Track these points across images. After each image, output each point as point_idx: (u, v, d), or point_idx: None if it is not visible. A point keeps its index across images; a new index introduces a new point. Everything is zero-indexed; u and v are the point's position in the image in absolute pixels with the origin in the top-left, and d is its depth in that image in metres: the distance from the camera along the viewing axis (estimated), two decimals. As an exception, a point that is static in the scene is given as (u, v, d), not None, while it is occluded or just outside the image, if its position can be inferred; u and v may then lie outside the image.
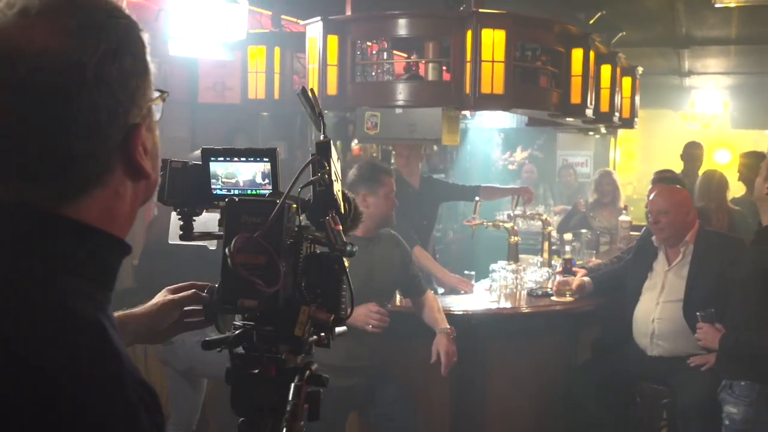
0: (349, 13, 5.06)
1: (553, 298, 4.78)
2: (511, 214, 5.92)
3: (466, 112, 7.25)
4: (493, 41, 4.42)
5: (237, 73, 5.84)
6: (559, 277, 4.93)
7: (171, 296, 1.67)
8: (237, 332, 1.44)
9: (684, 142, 7.93)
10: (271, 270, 1.35)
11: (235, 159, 1.50)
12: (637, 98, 7.15)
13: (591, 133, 8.25)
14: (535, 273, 5.21)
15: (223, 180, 1.51)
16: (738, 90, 12.96)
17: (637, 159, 14.33)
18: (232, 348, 1.45)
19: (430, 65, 4.71)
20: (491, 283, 4.91)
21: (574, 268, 5.18)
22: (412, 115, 4.69)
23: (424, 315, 4.15)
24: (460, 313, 4.47)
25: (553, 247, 6.06)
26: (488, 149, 10.70)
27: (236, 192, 1.50)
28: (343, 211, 1.47)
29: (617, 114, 6.33)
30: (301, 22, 5.25)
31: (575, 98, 5.21)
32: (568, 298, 4.73)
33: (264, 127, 6.49)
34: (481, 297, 4.85)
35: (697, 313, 4.13)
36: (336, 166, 1.46)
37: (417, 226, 5.27)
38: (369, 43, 4.94)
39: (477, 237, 5.52)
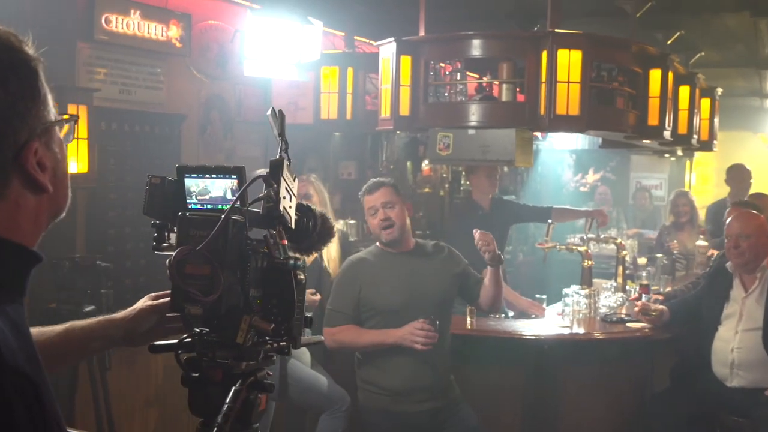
0: (422, 33, 5.07)
1: (629, 324, 4.65)
2: (584, 237, 5.81)
3: (538, 133, 7.16)
4: (569, 62, 4.37)
5: (310, 94, 5.89)
6: (635, 302, 4.81)
7: (150, 302, 1.76)
8: (183, 338, 1.55)
9: (764, 166, 7.68)
10: (214, 280, 1.43)
11: (207, 176, 1.60)
12: (716, 120, 6.97)
13: (666, 155, 8.07)
14: (609, 298, 5.11)
15: (197, 195, 1.60)
16: (821, 112, 12.53)
17: (712, 182, 13.93)
18: (178, 353, 1.55)
19: (504, 86, 4.68)
20: (564, 308, 4.82)
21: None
22: (484, 136, 4.65)
23: (484, 288, 3.98)
24: (532, 337, 4.39)
25: (627, 272, 5.92)
26: (559, 171, 10.56)
27: (208, 207, 1.59)
28: (293, 226, 1.55)
29: (695, 136, 6.19)
30: (374, 43, 5.28)
31: (653, 120, 5.11)
32: (647, 322, 4.58)
33: (335, 147, 6.52)
34: (553, 321, 4.76)
35: None
36: (289, 183, 1.53)
37: None
38: (442, 64, 4.92)
39: (549, 260, 5.43)
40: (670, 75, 5.22)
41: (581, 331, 4.61)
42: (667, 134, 5.26)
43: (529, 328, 4.58)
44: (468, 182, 6.82)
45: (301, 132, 6.01)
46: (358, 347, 3.82)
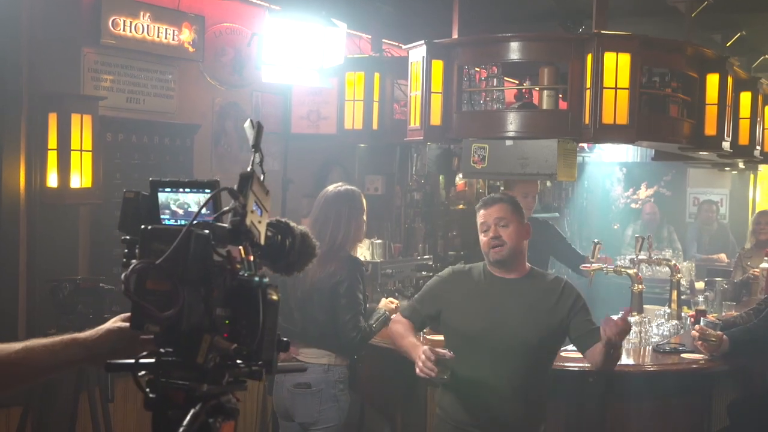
0: (455, 36, 5.08)
1: (685, 355, 4.60)
2: (635, 259, 5.77)
3: (584, 144, 7.14)
4: (617, 66, 4.35)
5: (333, 102, 5.93)
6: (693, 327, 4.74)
7: (119, 324, 1.81)
8: (140, 357, 1.58)
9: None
10: (173, 296, 1.47)
11: (181, 190, 1.67)
12: (782, 129, 6.90)
13: (727, 168, 8.01)
14: (662, 326, 5.05)
15: (171, 210, 1.67)
16: None
17: (779, 198, 13.81)
18: (136, 374, 1.57)
19: (545, 93, 4.67)
20: (612, 337, 4.77)
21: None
22: (524, 148, 4.64)
23: (596, 358, 3.75)
24: (576, 369, 4.36)
25: (683, 297, 5.86)
26: (608, 185, 10.52)
27: (183, 222, 1.64)
28: (262, 242, 1.58)
29: (758, 147, 6.13)
30: (404, 46, 5.31)
31: (710, 129, 5.07)
32: (704, 350, 4.52)
33: (361, 160, 6.55)
34: (599, 352, 4.71)
35: None
36: (260, 197, 1.57)
37: None
38: (477, 69, 4.92)
39: (595, 284, 5.39)
40: (730, 80, 5.18)
41: (630, 362, 4.56)
42: (726, 145, 5.21)
43: (573, 358, 4.55)
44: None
45: (323, 143, 6.06)
46: (395, 346, 3.92)
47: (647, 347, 4.75)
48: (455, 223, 7.36)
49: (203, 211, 1.59)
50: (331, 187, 4.40)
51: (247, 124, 1.66)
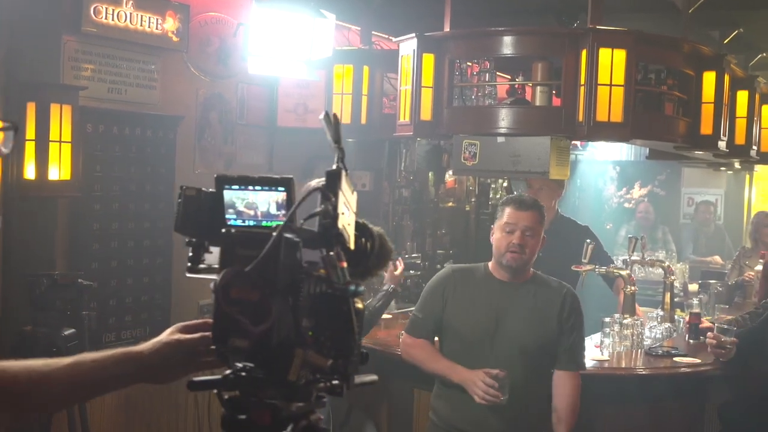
0: (447, 29, 5.07)
1: (677, 359, 4.61)
2: (628, 260, 5.77)
3: (577, 142, 7.14)
4: (612, 62, 4.35)
5: (320, 95, 5.91)
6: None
7: (176, 336, 1.70)
8: (227, 374, 1.47)
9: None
10: (263, 307, 1.38)
11: (250, 188, 1.56)
12: (779, 129, 6.91)
13: (722, 168, 8.03)
14: (654, 329, 5.06)
15: (238, 209, 1.56)
16: None
17: (775, 199, 13.86)
18: (219, 391, 1.47)
19: (538, 88, 4.67)
20: (603, 339, 4.79)
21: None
22: (515, 145, 4.64)
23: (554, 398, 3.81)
24: (566, 372, 4.36)
25: (677, 300, 5.87)
26: (601, 184, 10.54)
27: (251, 223, 1.55)
28: (352, 246, 1.49)
29: (755, 147, 6.14)
30: (394, 39, 5.29)
31: (706, 128, 5.07)
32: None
33: (348, 155, 6.45)
34: (590, 354, 4.71)
35: None
36: (347, 197, 1.49)
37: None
38: (469, 63, 4.92)
39: (587, 285, 5.38)
40: (727, 78, 5.19)
41: (622, 365, 4.57)
42: (722, 144, 5.22)
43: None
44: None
45: (309, 137, 6.03)
46: (426, 370, 3.88)
47: (639, 350, 4.76)
48: (444, 220, 7.35)
49: (275, 211, 1.52)
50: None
51: (322, 116, 1.55)
